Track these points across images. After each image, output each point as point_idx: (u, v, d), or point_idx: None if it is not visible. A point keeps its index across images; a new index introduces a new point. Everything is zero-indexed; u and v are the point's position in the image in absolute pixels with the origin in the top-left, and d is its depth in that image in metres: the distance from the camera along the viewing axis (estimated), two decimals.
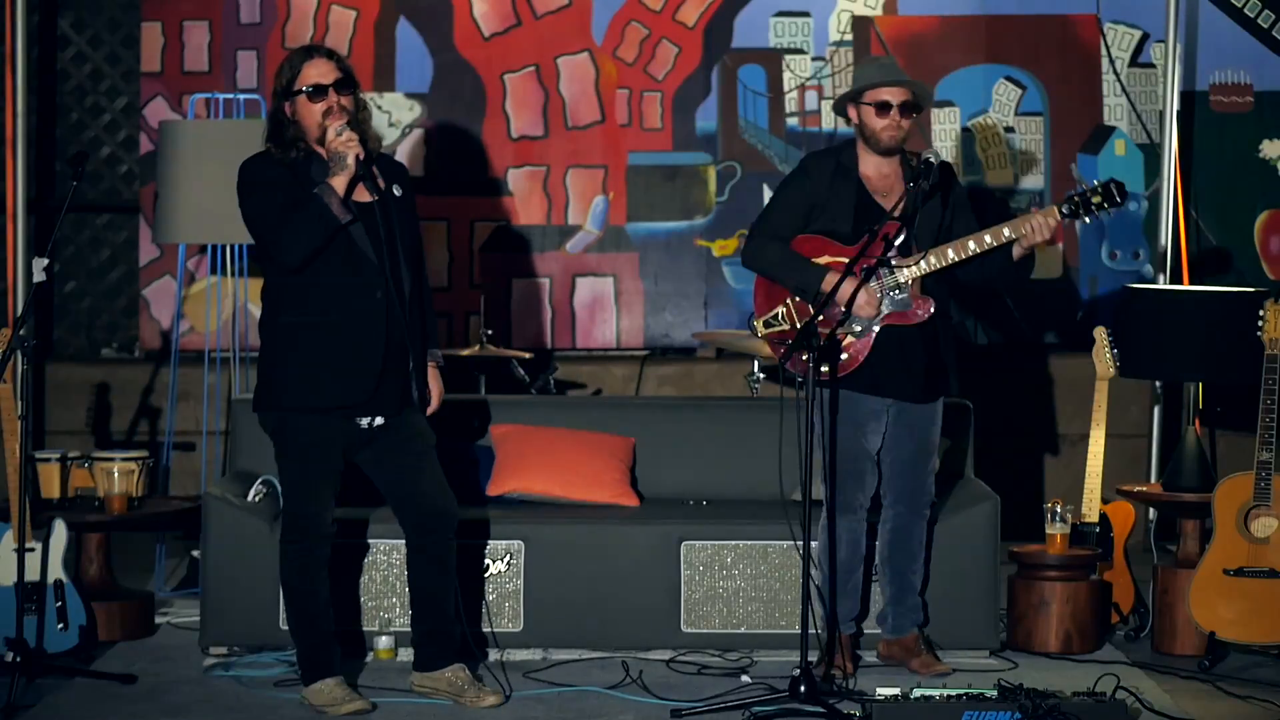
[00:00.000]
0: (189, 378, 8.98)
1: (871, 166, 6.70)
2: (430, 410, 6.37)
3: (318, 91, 6.17)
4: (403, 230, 6.26)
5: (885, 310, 6.62)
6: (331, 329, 6.18)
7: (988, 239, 6.57)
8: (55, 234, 6.69)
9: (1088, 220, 6.61)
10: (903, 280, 6.60)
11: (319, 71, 6.19)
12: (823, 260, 6.65)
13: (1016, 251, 6.61)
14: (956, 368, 6.78)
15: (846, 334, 6.64)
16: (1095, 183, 6.58)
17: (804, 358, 6.33)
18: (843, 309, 6.56)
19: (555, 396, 8.44)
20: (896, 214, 6.57)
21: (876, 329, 6.63)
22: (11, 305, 8.95)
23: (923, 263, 6.59)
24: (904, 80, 6.62)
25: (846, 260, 6.57)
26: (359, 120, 6.21)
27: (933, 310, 6.66)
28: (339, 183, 6.13)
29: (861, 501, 6.74)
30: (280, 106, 6.24)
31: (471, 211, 9.38)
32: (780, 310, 6.73)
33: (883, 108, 6.61)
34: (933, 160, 6.55)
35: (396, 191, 6.30)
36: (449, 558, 6.38)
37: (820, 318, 6.52)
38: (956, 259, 6.59)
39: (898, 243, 6.60)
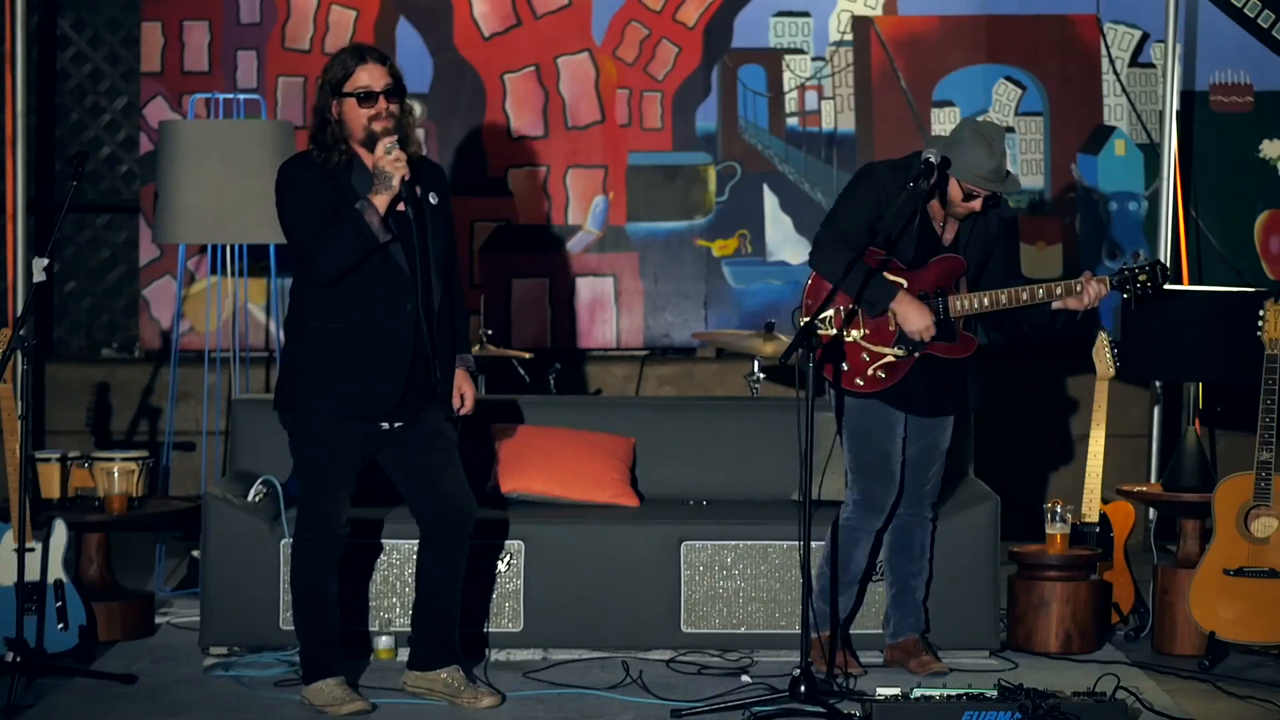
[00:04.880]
0: (189, 378, 8.99)
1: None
2: (464, 412, 6.37)
3: (368, 97, 6.13)
4: (435, 238, 6.24)
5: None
6: (361, 338, 6.16)
7: (1040, 293, 6.69)
8: (55, 234, 6.69)
9: (1125, 295, 6.81)
10: (954, 316, 6.67)
11: (371, 76, 6.14)
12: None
13: (1056, 305, 6.72)
14: (980, 382, 6.84)
15: (890, 354, 6.66)
16: (1145, 263, 6.79)
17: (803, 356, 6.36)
18: (896, 328, 6.63)
19: (555, 396, 8.44)
20: (947, 244, 6.70)
21: (918, 355, 6.66)
22: (11, 305, 8.96)
23: (975, 302, 6.66)
24: (1004, 179, 6.62)
25: (901, 280, 6.66)
26: (404, 127, 6.18)
27: (975, 349, 6.74)
28: (381, 201, 6.09)
29: (887, 503, 6.76)
30: (326, 104, 6.18)
31: (471, 211, 9.38)
32: (830, 315, 6.71)
33: (969, 197, 6.63)
34: (933, 160, 6.55)
35: (433, 199, 6.26)
36: (461, 558, 6.37)
37: (867, 332, 6.61)
38: (1010, 305, 6.68)
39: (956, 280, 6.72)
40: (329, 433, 6.21)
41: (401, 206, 6.18)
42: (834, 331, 6.67)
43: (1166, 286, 6.86)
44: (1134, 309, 7.00)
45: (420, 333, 6.19)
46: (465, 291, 9.22)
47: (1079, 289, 6.68)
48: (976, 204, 6.64)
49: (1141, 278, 6.76)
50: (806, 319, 6.61)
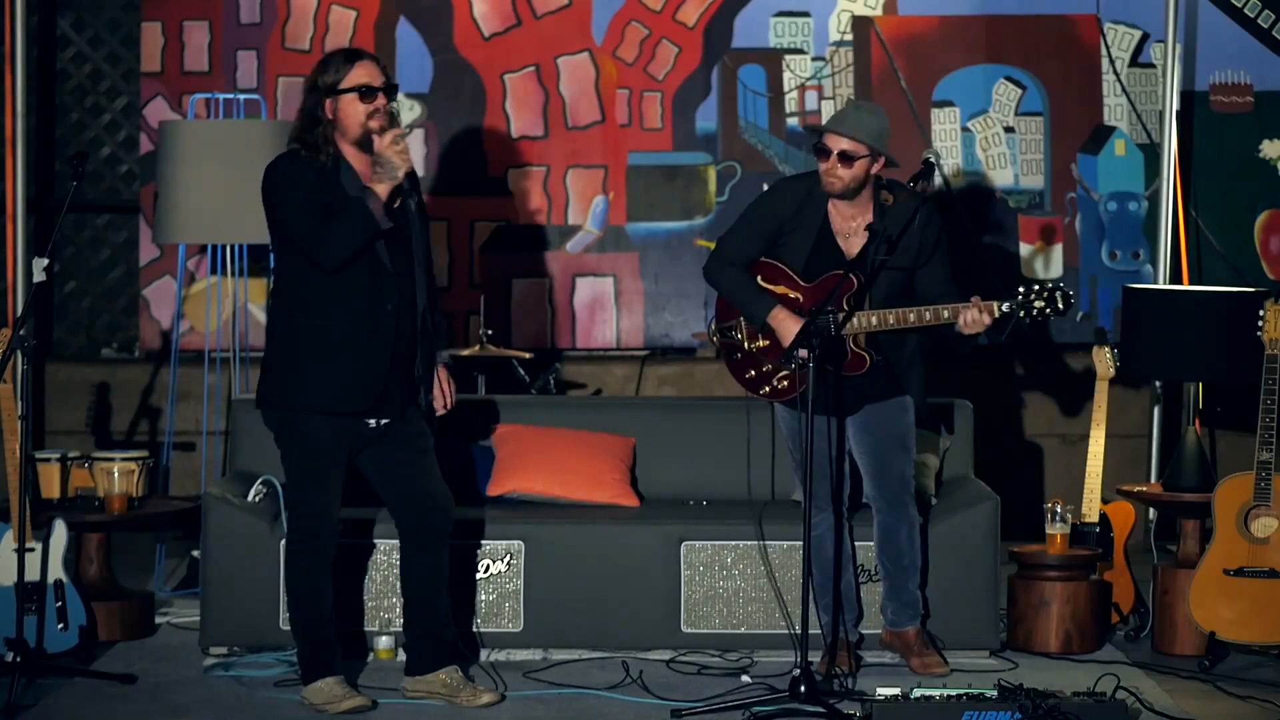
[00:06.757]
0: (189, 378, 8.99)
1: (835, 205, 6.67)
2: (444, 411, 6.37)
3: (369, 91, 6.16)
4: (418, 238, 6.27)
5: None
6: (343, 334, 6.16)
7: (928, 315, 6.53)
8: (55, 234, 6.69)
9: (1027, 322, 6.50)
10: (846, 334, 6.57)
11: (368, 73, 6.18)
12: (778, 289, 6.67)
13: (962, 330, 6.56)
14: (921, 374, 6.72)
15: (788, 367, 6.66)
16: (1048, 285, 6.51)
17: (802, 355, 6.34)
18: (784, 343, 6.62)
19: (555, 396, 8.44)
20: (850, 256, 6.59)
21: (798, 368, 6.48)
22: (11, 305, 8.96)
23: (865, 321, 6.56)
24: (841, 130, 6.52)
25: (796, 294, 6.63)
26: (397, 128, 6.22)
27: (868, 366, 6.62)
28: (383, 189, 6.12)
29: (827, 500, 6.71)
30: (317, 104, 6.19)
31: (471, 211, 9.38)
32: (738, 323, 6.76)
33: (820, 152, 6.58)
34: (932, 160, 6.53)
35: (411, 203, 6.29)
36: (443, 559, 6.37)
37: (768, 344, 6.63)
38: (898, 326, 6.56)
39: (844, 296, 6.59)
40: (317, 430, 6.22)
41: (398, 201, 6.21)
42: (741, 339, 6.76)
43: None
44: (1029, 334, 6.69)
45: (402, 329, 6.20)
46: (465, 292, 9.29)
47: (963, 319, 6.46)
48: (830, 161, 6.52)
49: (1038, 304, 6.47)
50: (717, 325, 6.71)
